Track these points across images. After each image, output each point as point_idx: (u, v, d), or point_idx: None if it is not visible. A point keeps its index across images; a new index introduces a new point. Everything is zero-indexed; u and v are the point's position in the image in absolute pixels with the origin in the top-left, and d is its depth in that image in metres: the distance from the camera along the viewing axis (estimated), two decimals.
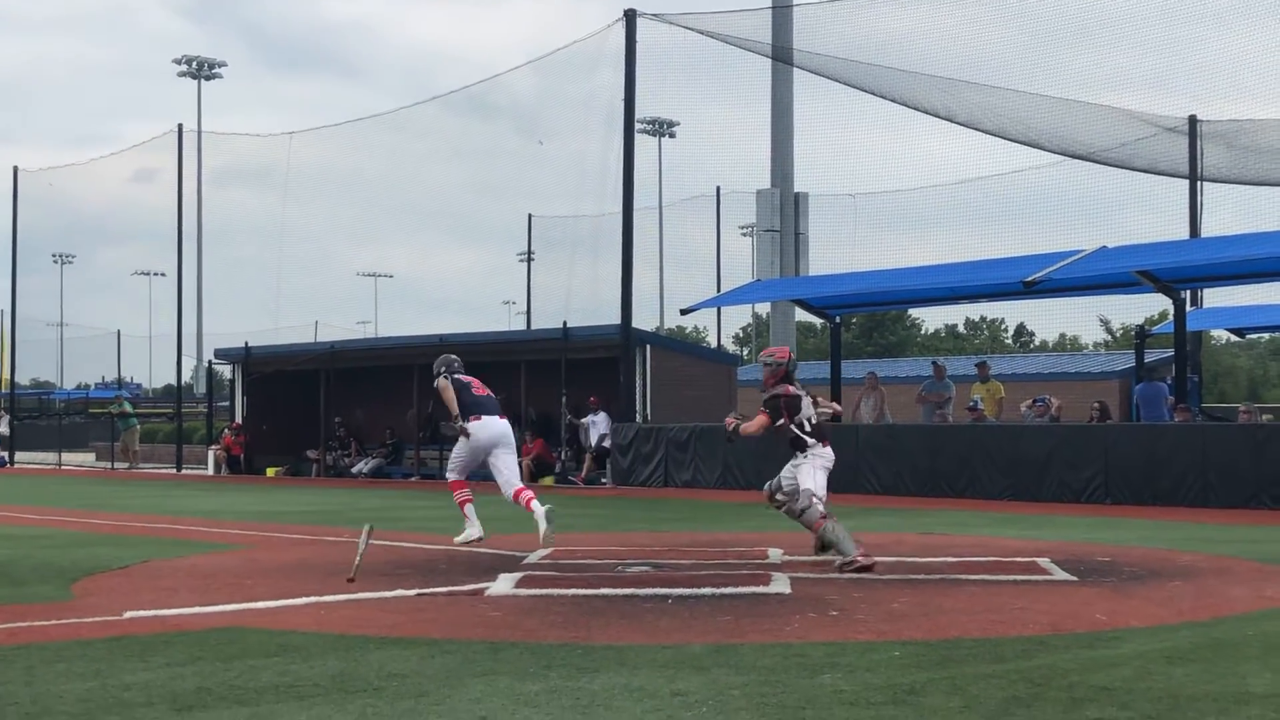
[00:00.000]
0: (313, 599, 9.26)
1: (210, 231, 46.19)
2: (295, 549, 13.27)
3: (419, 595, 9.46)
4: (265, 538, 14.58)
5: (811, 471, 11.37)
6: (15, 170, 41.39)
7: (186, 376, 46.72)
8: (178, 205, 36.55)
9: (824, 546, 11.24)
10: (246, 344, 33.93)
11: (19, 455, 41.56)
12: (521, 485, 13.34)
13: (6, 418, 44.16)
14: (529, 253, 48.97)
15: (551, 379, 27.39)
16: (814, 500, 11.26)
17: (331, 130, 35.99)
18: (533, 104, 34.31)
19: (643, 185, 27.10)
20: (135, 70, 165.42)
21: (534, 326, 41.83)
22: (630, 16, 25.95)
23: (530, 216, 46.25)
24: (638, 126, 29.49)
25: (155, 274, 53.48)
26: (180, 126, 36.93)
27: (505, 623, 8.20)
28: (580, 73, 28.87)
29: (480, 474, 13.65)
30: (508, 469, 13.34)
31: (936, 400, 25.15)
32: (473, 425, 13.25)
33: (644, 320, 27.92)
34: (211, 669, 6.64)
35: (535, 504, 12.80)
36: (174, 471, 35.14)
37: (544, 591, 9.48)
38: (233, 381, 35.25)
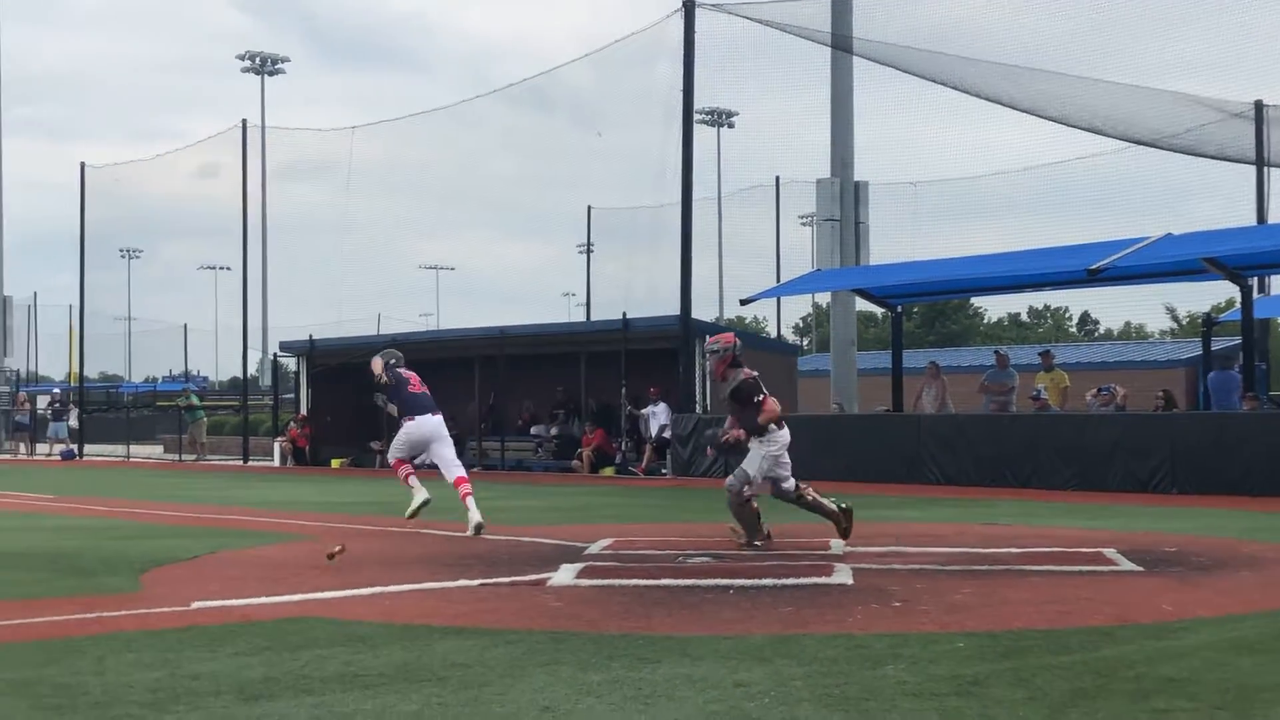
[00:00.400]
0: (377, 589, 9.34)
1: (274, 226, 46.55)
2: (359, 539, 13.36)
3: (482, 585, 9.51)
4: (329, 529, 14.68)
5: (759, 459, 11.66)
6: (82, 166, 41.88)
7: (252, 369, 47.21)
8: (242, 200, 36.89)
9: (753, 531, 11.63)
10: (310, 337, 34.19)
11: (88, 448, 42.11)
12: (462, 475, 14.19)
13: (76, 411, 44.75)
14: (588, 244, 49.06)
15: (611, 370, 27.43)
16: (745, 487, 11.57)
17: (392, 124, 36.21)
18: (591, 96, 34.41)
19: (701, 175, 27.11)
20: (199, 66, 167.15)
21: (594, 318, 41.87)
22: (689, 7, 25.90)
23: (589, 208, 46.32)
24: (696, 117, 29.46)
25: (221, 268, 54.07)
26: (244, 122, 37.28)
27: (567, 613, 8.23)
28: (638, 64, 28.91)
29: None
30: (445, 459, 14.32)
31: (999, 390, 24.98)
32: (408, 424, 14.35)
33: (703, 311, 27.94)
34: (278, 659, 6.71)
35: (471, 501, 13.67)
36: (240, 463, 35.50)
37: (605, 582, 9.51)
38: (297, 374, 35.55)
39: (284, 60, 72.64)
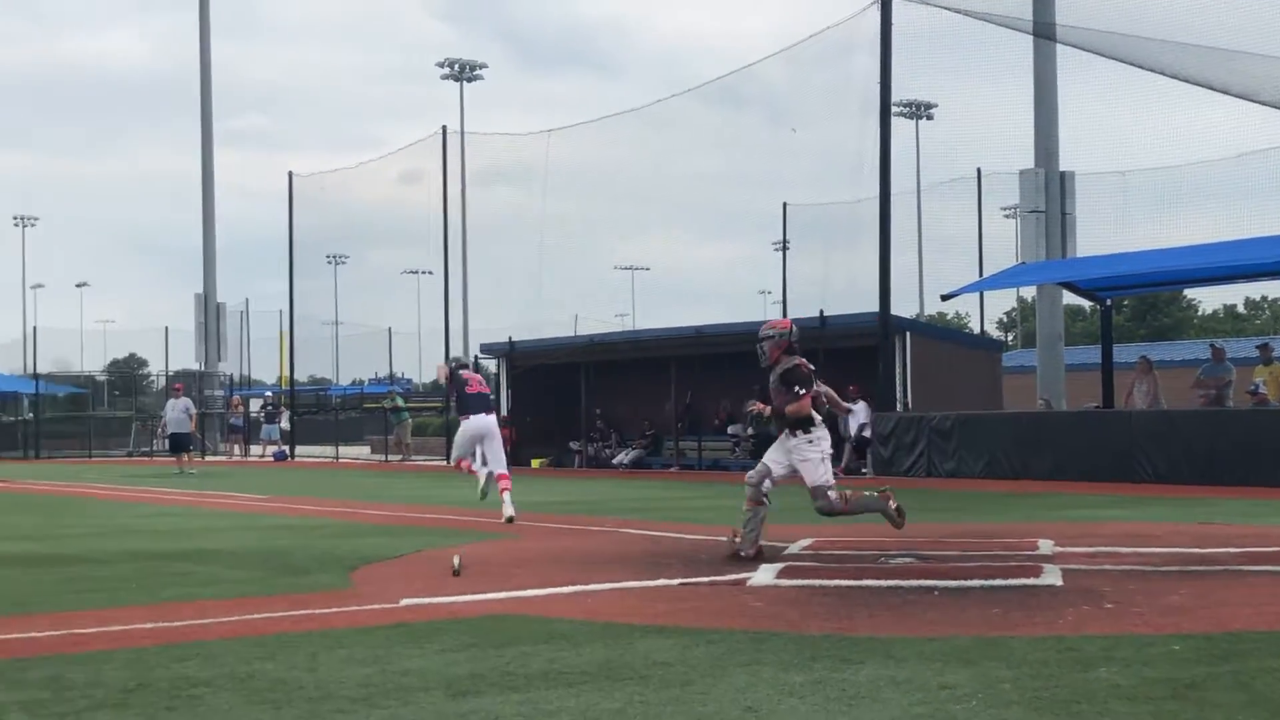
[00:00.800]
0: (578, 588, 9.41)
1: (474, 229, 47.37)
2: (560, 539, 13.51)
3: (682, 585, 9.51)
4: (531, 527, 14.86)
5: (815, 466, 10.98)
6: (290, 175, 43.20)
7: None
8: (443, 205, 37.65)
9: (893, 516, 11.13)
10: (510, 339, 34.70)
11: (299, 449, 43.38)
12: (504, 472, 15.68)
13: (287, 413, 46.16)
14: (784, 241, 48.80)
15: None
16: (830, 496, 10.94)
17: (587, 126, 36.50)
18: (785, 92, 34.19)
19: (900, 169, 26.74)
20: (401, 75, 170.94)
21: (790, 316, 41.66)
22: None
23: (785, 205, 46.08)
24: (894, 109, 29.08)
25: (423, 272, 55.11)
26: (444, 128, 37.99)
27: (768, 613, 8.18)
28: (834, 58, 28.62)
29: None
30: (493, 454, 15.88)
31: (1215, 385, 24.12)
32: (464, 422, 16.00)
33: (903, 307, 27.55)
34: (484, 655, 6.80)
35: (507, 496, 15.21)
36: (444, 464, 36.18)
37: (806, 582, 9.43)
38: (498, 375, 36.12)
39: (482, 66, 73.88)
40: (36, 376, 55.76)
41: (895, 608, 8.26)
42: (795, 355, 11.30)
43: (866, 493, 11.60)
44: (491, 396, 16.64)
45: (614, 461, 31.24)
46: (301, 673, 6.42)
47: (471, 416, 15.97)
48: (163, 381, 47.26)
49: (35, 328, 60.23)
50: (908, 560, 10.61)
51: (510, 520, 14.92)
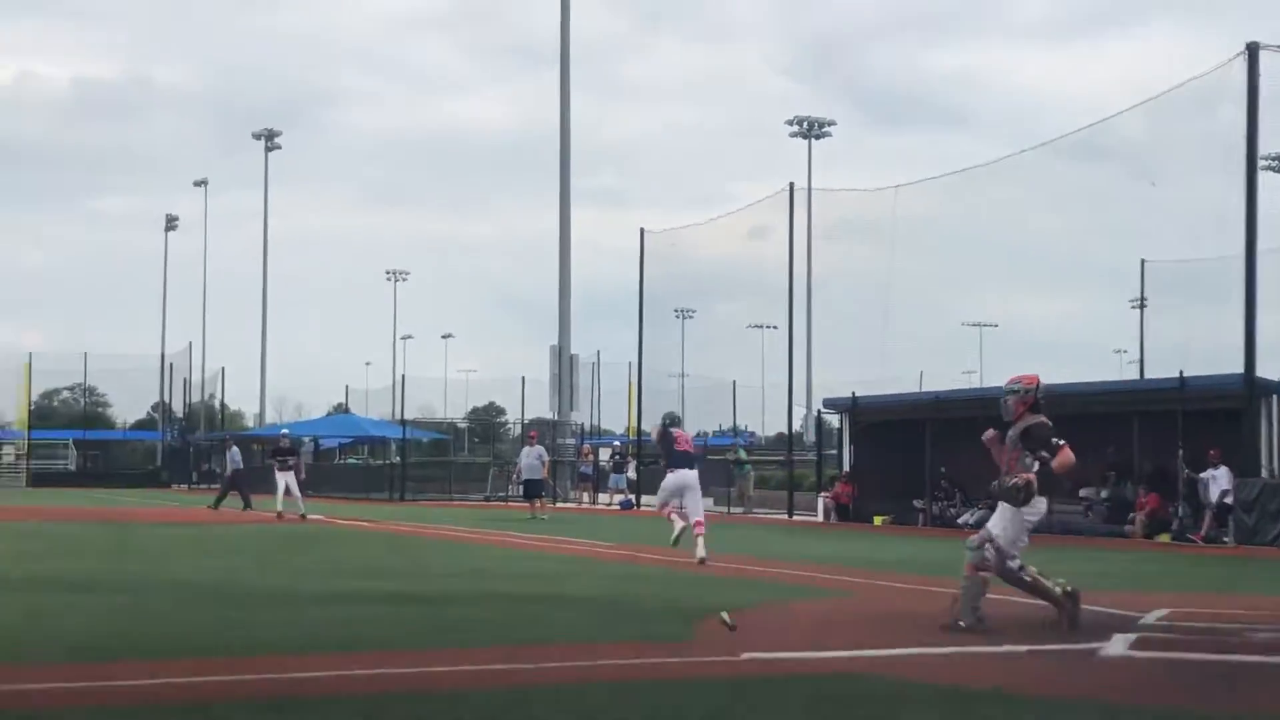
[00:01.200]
0: (921, 649, 9.28)
1: (819, 284, 47.37)
2: (902, 598, 13.34)
3: (1029, 652, 9.26)
4: (873, 585, 14.74)
5: (1007, 518, 10.39)
6: (642, 232, 44.23)
7: (797, 425, 48.14)
8: (789, 260, 37.83)
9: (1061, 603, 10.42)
10: (853, 394, 34.50)
11: (645, 498, 44.16)
12: (700, 519, 17.72)
13: (634, 463, 47.09)
14: (1141, 299, 46.99)
15: (1167, 431, 26.10)
16: (987, 547, 10.33)
17: (936, 181, 36.07)
18: (1144, 145, 32.95)
19: (1268, 225, 25.39)
20: (750, 132, 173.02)
21: (1147, 376, 40.02)
22: (1253, 50, 24.49)
23: (1143, 261, 44.40)
24: (1261, 164, 27.71)
25: (768, 326, 55.48)
26: (791, 185, 38.26)
27: (1121, 686, 7.88)
28: (1196, 111, 27.47)
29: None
30: (693, 504, 17.97)
31: None
32: (670, 474, 18.06)
33: (1271, 368, 26.07)
34: (823, 713, 6.77)
35: (700, 540, 17.30)
36: (785, 517, 36.23)
37: (1162, 655, 9.04)
38: (840, 430, 35.96)
39: (830, 124, 74.17)
40: (404, 422, 58.68)
41: (1261, 685, 7.82)
42: (1039, 413, 10.82)
43: (1048, 583, 10.75)
44: (695, 453, 19.10)
45: (958, 521, 30.60)
46: None
47: (677, 470, 18.06)
48: (519, 429, 48.98)
49: (404, 376, 63.48)
50: (1274, 635, 10.03)
51: (702, 561, 16.81)
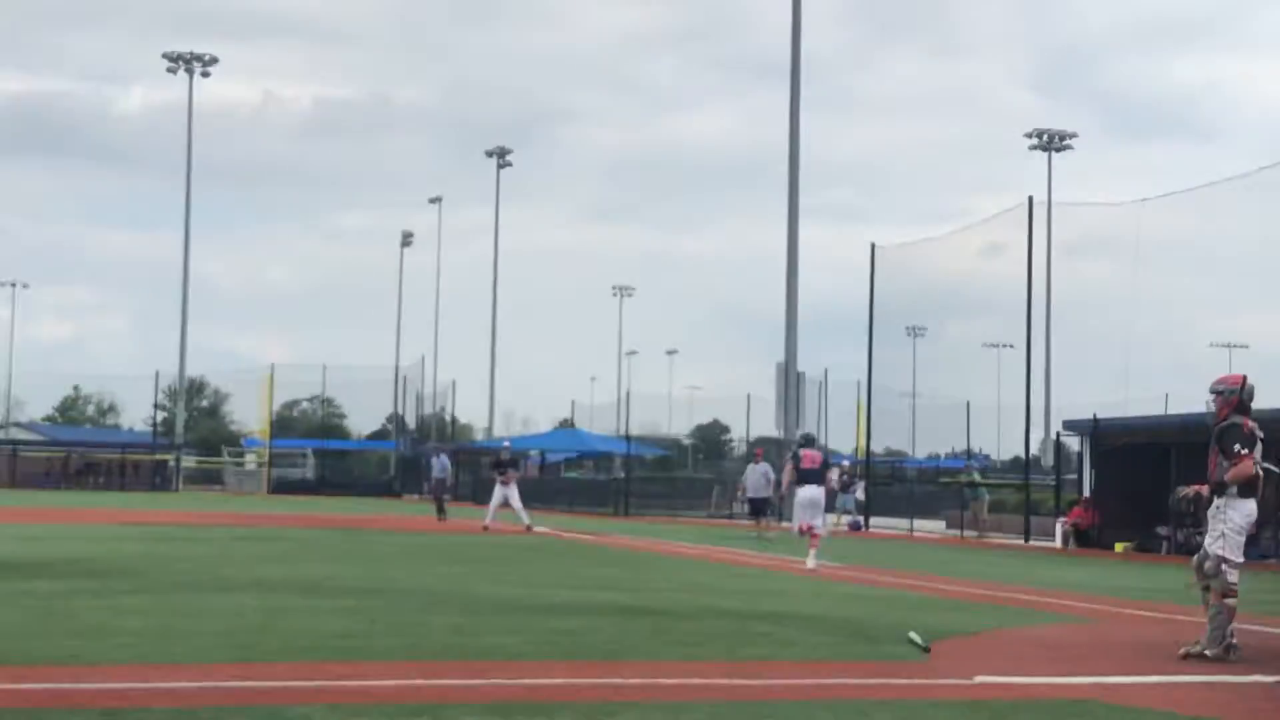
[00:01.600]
0: (1163, 678, 8.92)
1: (1059, 302, 46.25)
2: (1143, 626, 12.86)
3: (1277, 683, 8.80)
4: (1112, 613, 14.26)
5: (1219, 535, 9.89)
6: (872, 247, 43.75)
7: (1034, 448, 46.97)
8: (1027, 277, 36.93)
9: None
10: (1094, 416, 33.51)
11: (874, 520, 43.64)
12: (818, 532, 20.58)
13: (863, 484, 46.57)
14: None
15: None
16: (1223, 567, 9.76)
17: (1185, 195, 34.80)
18: None
19: None
20: (986, 147, 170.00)
21: None
22: None
23: None
24: None
25: (1004, 346, 54.38)
26: (1030, 199, 37.36)
27: None
28: None
29: None
30: (811, 518, 20.70)
31: None
32: (799, 491, 21.02)
33: None
34: None
35: (814, 551, 19.87)
36: (1021, 542, 35.36)
37: None
38: (1080, 454, 34.94)
39: (1072, 136, 72.41)
40: (628, 438, 59.22)
41: None
42: (1245, 415, 10.31)
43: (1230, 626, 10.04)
44: (820, 470, 21.50)
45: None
46: None
47: (805, 486, 20.94)
48: (744, 447, 48.91)
49: (628, 392, 64.09)
50: None
51: (812, 570, 19.13)
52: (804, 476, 20.94)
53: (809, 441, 21.85)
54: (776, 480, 40.67)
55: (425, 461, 44.20)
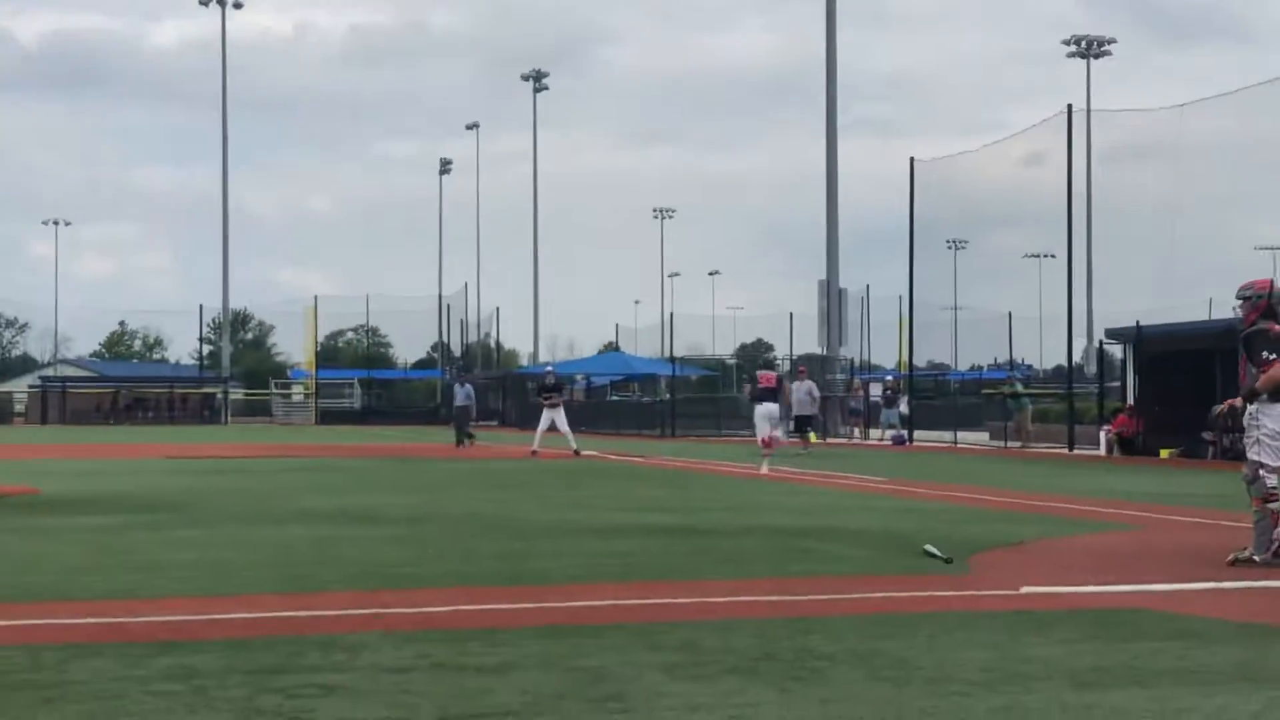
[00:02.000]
0: (1210, 584, 8.95)
1: (1099, 210, 45.78)
2: (1190, 532, 12.86)
3: None
4: (1158, 520, 14.26)
5: (1254, 443, 9.84)
6: (911, 161, 43.43)
7: (1077, 357, 46.84)
8: (1067, 186, 36.58)
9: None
10: (1138, 323, 33.32)
11: (917, 433, 43.67)
12: (779, 440, 26.35)
13: (906, 398, 46.55)
14: None
15: None
16: (1261, 473, 9.74)
17: (1226, 99, 34.31)
18: None
19: None
20: (1025, 56, 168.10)
21: None
22: None
23: None
24: None
25: (1045, 256, 53.97)
26: (1069, 107, 36.93)
27: None
28: None
29: None
30: (771, 430, 25.12)
31: None
32: (757, 408, 25.61)
33: None
34: (1108, 649, 6.57)
35: (767, 456, 23.91)
36: (1065, 451, 35.33)
37: None
38: (1124, 361, 34.80)
39: (1110, 42, 71.47)
40: (673, 359, 59.30)
41: None
42: (1274, 319, 10.14)
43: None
44: (775, 389, 26.67)
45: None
46: (921, 653, 6.46)
47: (764, 403, 25.44)
48: (788, 365, 48.88)
49: (672, 314, 64.20)
50: None
51: (764, 474, 22.55)
52: (761, 395, 25.64)
53: (766, 365, 28.07)
54: (820, 397, 40.78)
55: (449, 390, 44.16)
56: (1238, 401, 10.26)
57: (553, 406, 31.65)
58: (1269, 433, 9.98)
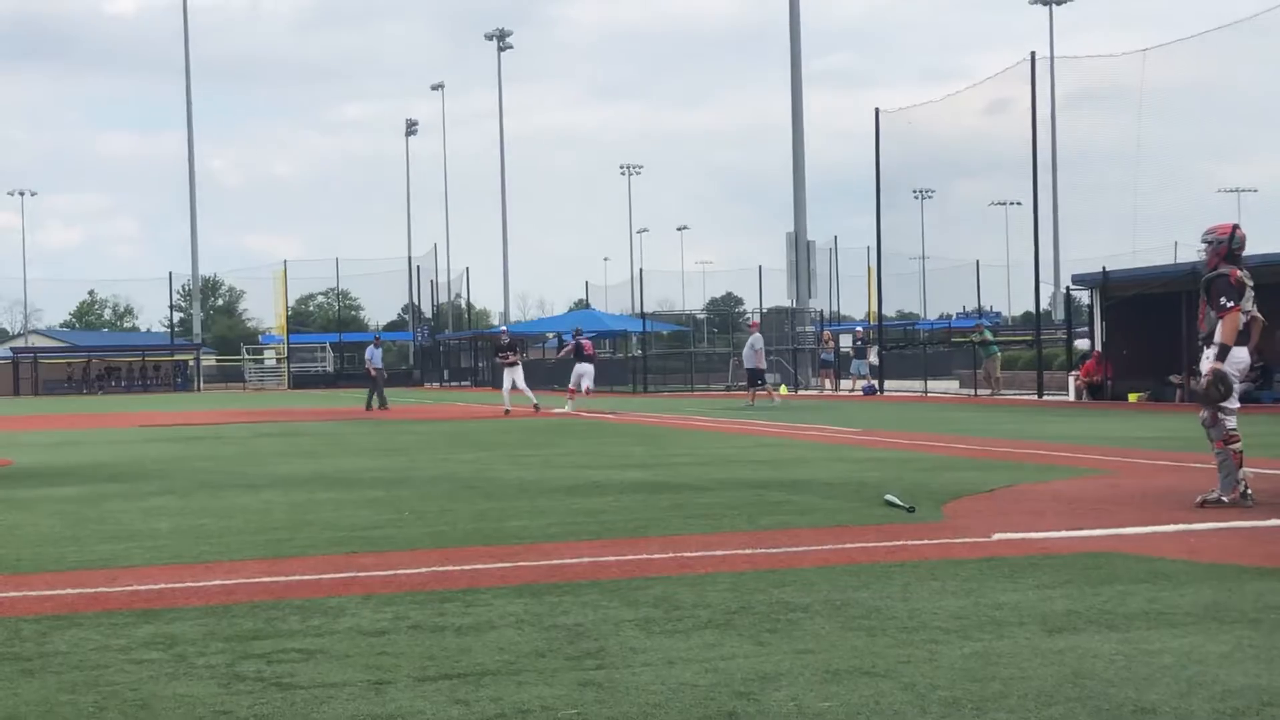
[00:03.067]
0: (1180, 526, 9.05)
1: (1064, 157, 45.93)
2: (1160, 475, 12.99)
3: None
4: (1128, 464, 14.39)
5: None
6: (876, 112, 43.45)
7: (1044, 303, 47.04)
8: (1031, 134, 36.67)
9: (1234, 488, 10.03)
10: (1104, 269, 33.51)
11: (888, 383, 43.87)
12: (586, 388, 33.89)
13: (875, 348, 46.72)
14: None
15: None
16: (1220, 415, 9.93)
17: (1187, 43, 34.41)
18: None
19: None
20: (987, 3, 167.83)
21: None
22: None
23: None
24: None
25: (1011, 203, 54.15)
26: (1032, 54, 36.97)
27: None
28: None
29: None
30: (583, 384, 33.65)
31: None
32: (577, 365, 33.77)
33: None
34: (1080, 593, 6.66)
35: (571, 401, 31.98)
36: (1034, 397, 35.56)
37: None
38: (1090, 307, 35.01)
39: None
40: (643, 315, 59.30)
41: None
42: (1235, 264, 10.21)
43: (1239, 473, 10.13)
44: (592, 355, 35.59)
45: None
46: (895, 602, 6.53)
47: (581, 363, 33.85)
48: (757, 318, 48.99)
49: (641, 270, 64.01)
50: None
51: (568, 413, 30.45)
52: (580, 356, 34.09)
53: (581, 333, 34.43)
54: (792, 350, 40.87)
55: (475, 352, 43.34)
56: (1219, 366, 10.09)
57: (510, 365, 31.93)
58: (1233, 370, 10.09)
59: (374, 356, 37.68)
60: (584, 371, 33.26)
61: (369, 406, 35.74)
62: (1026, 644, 5.59)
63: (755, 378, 34.18)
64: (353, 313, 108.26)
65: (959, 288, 64.03)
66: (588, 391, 34.12)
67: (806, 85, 51.11)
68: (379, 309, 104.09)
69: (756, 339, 34.90)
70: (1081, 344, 37.28)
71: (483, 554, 8.47)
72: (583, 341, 34.91)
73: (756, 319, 42.15)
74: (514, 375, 31.79)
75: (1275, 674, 5.05)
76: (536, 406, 31.25)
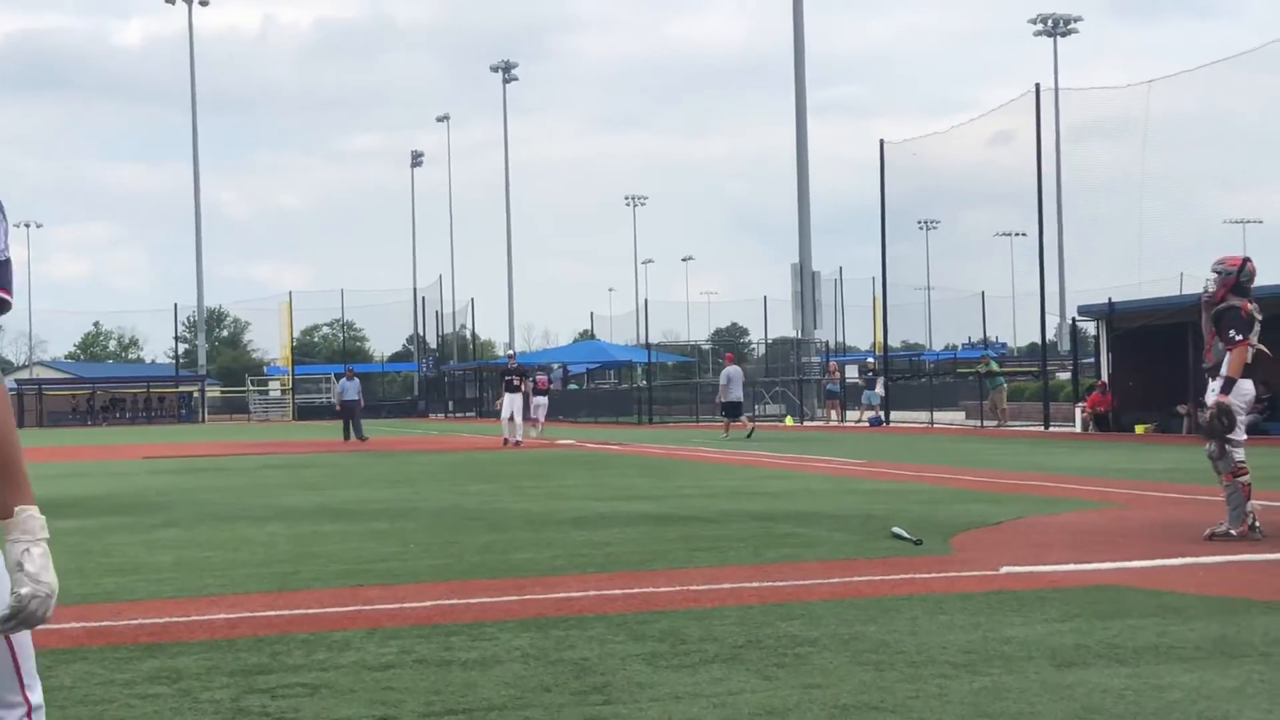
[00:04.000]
0: (1189, 560, 9.01)
1: (1069, 188, 45.93)
2: (1167, 508, 12.94)
3: None
4: (1136, 496, 14.34)
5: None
6: (881, 143, 43.54)
7: (1050, 334, 46.93)
8: (1036, 165, 36.73)
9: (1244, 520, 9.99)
10: (1109, 300, 33.49)
11: (893, 414, 43.81)
12: (539, 420, 37.97)
13: (882, 379, 46.69)
14: None
15: None
16: (1227, 447, 9.87)
17: (1193, 74, 34.46)
18: None
19: None
20: (992, 35, 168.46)
21: None
22: None
23: None
24: None
25: (1016, 234, 54.13)
26: (1037, 86, 37.05)
27: None
28: None
29: None
30: (514, 415, 32.51)
31: None
32: (534, 398, 36.73)
33: None
34: (1089, 626, 6.62)
35: (527, 429, 33.70)
36: (1041, 428, 35.49)
37: None
38: (1097, 338, 34.96)
39: (1076, 20, 71.66)
40: (648, 346, 59.32)
41: None
42: (1244, 297, 10.21)
43: (1248, 505, 10.13)
44: (540, 387, 39.86)
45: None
46: (903, 636, 6.49)
47: (537, 396, 36.98)
48: (763, 349, 48.97)
49: (646, 300, 64.09)
50: None
51: (518, 444, 31.18)
52: (540, 392, 38.58)
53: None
54: (799, 381, 40.90)
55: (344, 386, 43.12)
56: (1223, 399, 10.11)
57: (514, 391, 31.92)
58: (1239, 401, 10.07)
59: (346, 389, 37.58)
60: (514, 403, 34.43)
61: (346, 437, 35.82)
62: (1035, 678, 5.56)
63: (734, 410, 34.20)
64: (358, 344, 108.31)
65: (964, 318, 64.02)
66: (538, 422, 37.67)
67: (811, 116, 51.27)
68: (384, 340, 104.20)
69: (733, 370, 34.94)
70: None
71: (489, 587, 8.44)
72: (538, 378, 41.22)
73: (730, 353, 42.30)
74: (514, 405, 31.84)
75: None
76: (519, 443, 31.24)
